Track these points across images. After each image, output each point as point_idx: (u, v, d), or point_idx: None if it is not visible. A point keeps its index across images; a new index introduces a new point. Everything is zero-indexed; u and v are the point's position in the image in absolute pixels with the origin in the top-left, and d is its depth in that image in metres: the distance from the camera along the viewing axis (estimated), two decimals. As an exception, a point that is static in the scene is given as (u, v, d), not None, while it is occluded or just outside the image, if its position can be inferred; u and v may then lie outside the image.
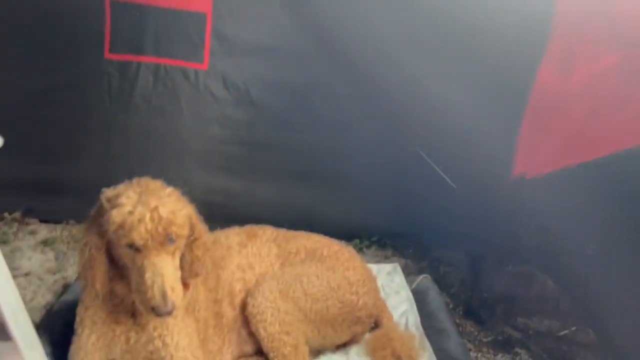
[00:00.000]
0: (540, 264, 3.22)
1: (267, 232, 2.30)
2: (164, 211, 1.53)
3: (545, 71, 2.25)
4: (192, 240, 1.72)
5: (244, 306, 2.05)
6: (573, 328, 2.77)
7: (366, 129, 3.13)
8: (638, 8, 1.95)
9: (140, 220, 1.50)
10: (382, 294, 2.50)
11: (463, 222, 3.20)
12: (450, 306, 2.88)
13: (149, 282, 1.52)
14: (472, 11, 2.41)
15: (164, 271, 1.53)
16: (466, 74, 2.56)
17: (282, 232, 2.34)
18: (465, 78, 2.57)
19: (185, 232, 1.63)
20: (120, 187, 1.63)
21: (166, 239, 1.55)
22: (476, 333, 2.74)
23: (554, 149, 2.43)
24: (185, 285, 1.78)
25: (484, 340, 2.69)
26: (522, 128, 2.49)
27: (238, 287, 2.09)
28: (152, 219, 1.51)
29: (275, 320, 1.94)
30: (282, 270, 2.16)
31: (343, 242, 2.43)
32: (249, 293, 2.06)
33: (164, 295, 1.51)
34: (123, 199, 1.54)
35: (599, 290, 2.64)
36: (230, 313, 2.05)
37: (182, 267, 1.71)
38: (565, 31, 2.24)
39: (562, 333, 2.75)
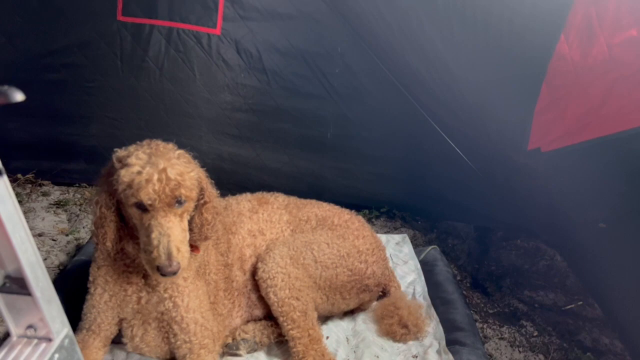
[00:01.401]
0: (550, 239, 3.23)
1: (278, 199, 2.31)
2: (172, 173, 1.54)
3: (564, 44, 2.20)
4: (202, 204, 1.73)
5: (254, 271, 2.08)
6: (579, 302, 2.79)
7: (379, 99, 3.10)
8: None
9: (148, 181, 1.51)
10: (390, 264, 2.52)
11: (473, 195, 3.20)
12: (458, 278, 2.90)
13: (155, 241, 1.54)
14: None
15: (170, 232, 1.55)
16: (483, 46, 2.50)
17: (293, 200, 2.35)
18: (481, 50, 2.52)
19: (193, 194, 1.64)
20: (131, 148, 1.64)
21: (174, 201, 1.56)
22: (482, 305, 2.76)
23: (570, 124, 2.39)
24: (196, 248, 1.80)
25: (490, 311, 2.72)
26: (538, 102, 2.45)
27: (249, 252, 2.11)
28: (159, 180, 1.52)
29: (286, 285, 1.97)
30: (292, 237, 2.18)
31: (353, 211, 2.43)
32: (259, 258, 2.08)
33: (169, 256, 1.53)
34: (132, 159, 1.55)
35: (607, 266, 2.64)
36: (240, 277, 2.08)
37: (191, 230, 1.73)
38: (586, 3, 2.18)
39: (568, 307, 2.77)
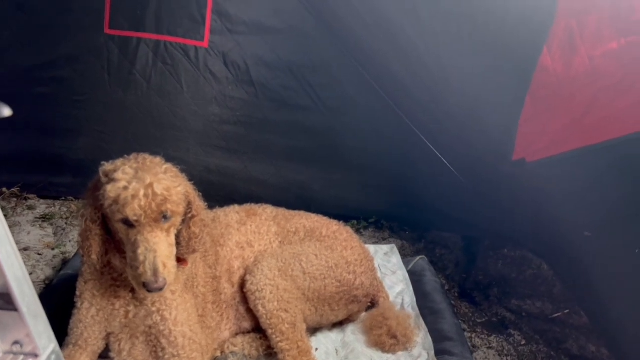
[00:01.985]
0: (536, 248, 3.26)
1: (266, 211, 2.31)
2: (159, 188, 1.53)
3: (547, 56, 2.25)
4: (189, 217, 1.73)
5: (242, 283, 2.07)
6: (566, 311, 2.81)
7: (366, 110, 3.12)
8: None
9: (134, 196, 1.50)
10: (379, 274, 2.53)
11: (460, 205, 3.22)
12: (446, 287, 2.92)
13: (141, 257, 1.53)
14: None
15: (157, 247, 1.54)
16: (469, 57, 2.54)
17: (282, 211, 2.35)
18: (467, 62, 2.56)
19: (180, 209, 1.63)
20: (119, 162, 1.63)
21: (160, 216, 1.55)
22: (471, 314, 2.78)
23: (554, 134, 2.44)
24: (184, 261, 1.79)
25: (479, 321, 2.73)
26: (522, 113, 2.50)
27: (237, 264, 2.11)
28: (146, 195, 1.51)
29: (274, 297, 1.96)
30: (281, 248, 2.18)
31: (341, 222, 2.44)
32: (248, 270, 2.07)
33: (155, 272, 1.52)
34: (119, 174, 1.54)
35: (593, 274, 2.67)
36: (229, 290, 2.07)
37: (179, 244, 1.72)
38: (567, 16, 2.23)
39: (555, 315, 2.80)
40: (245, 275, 2.08)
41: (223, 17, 2.96)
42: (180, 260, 1.75)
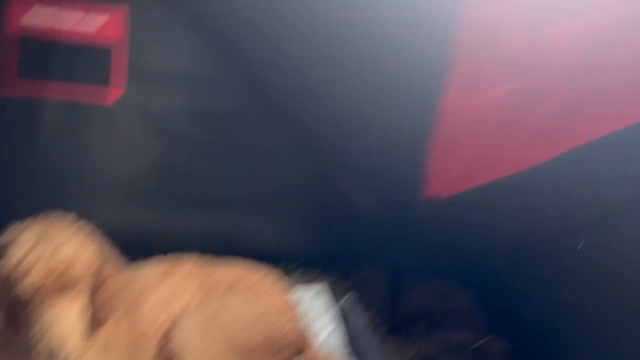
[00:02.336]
0: (458, 278, 3.39)
1: (188, 263, 2.26)
2: (61, 255, 1.46)
3: (449, 98, 2.43)
4: (101, 281, 1.64)
5: (166, 341, 2.00)
6: (488, 337, 2.92)
7: (282, 153, 3.17)
8: (522, 40, 2.16)
9: (29, 270, 1.41)
10: (308, 316, 2.52)
11: (383, 241, 3.30)
12: (375, 324, 2.95)
13: (37, 336, 1.42)
14: (378, 41, 2.55)
15: (56, 324, 1.43)
16: (376, 101, 2.69)
17: (204, 263, 2.31)
18: (375, 105, 2.71)
19: (87, 274, 1.56)
20: (18, 229, 1.54)
21: (63, 286, 1.46)
22: (400, 349, 2.82)
23: (462, 171, 2.61)
24: (100, 325, 1.70)
25: (408, 357, 2.77)
26: (430, 152, 2.66)
27: (158, 322, 2.03)
28: (45, 267, 1.42)
29: (199, 354, 1.91)
30: (204, 301, 2.13)
31: (270, 265, 2.42)
32: (171, 327, 2.00)
33: (51, 354, 1.41)
34: (13, 249, 1.45)
35: (511, 299, 2.83)
36: (151, 349, 1.99)
37: (91, 310, 1.62)
38: (466, 60, 2.42)
39: (478, 344, 2.90)
40: (168, 332, 2.00)
41: (133, 67, 2.91)
42: (96, 324, 1.66)
